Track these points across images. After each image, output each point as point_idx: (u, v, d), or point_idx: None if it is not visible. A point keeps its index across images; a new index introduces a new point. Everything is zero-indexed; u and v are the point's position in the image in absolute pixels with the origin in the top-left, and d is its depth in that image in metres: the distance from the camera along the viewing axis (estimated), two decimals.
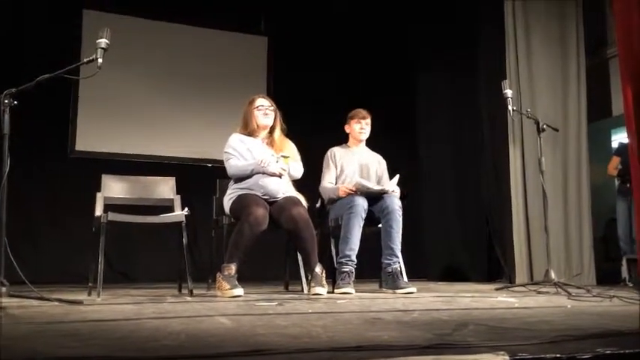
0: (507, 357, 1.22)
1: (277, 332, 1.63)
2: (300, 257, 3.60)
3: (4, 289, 2.50)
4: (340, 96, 5.30)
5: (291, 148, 3.64)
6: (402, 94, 6.31)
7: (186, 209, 3.60)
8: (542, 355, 1.25)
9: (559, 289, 3.45)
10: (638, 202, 4.33)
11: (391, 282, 3.59)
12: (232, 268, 3.21)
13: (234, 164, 3.50)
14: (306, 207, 3.49)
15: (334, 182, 3.96)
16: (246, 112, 3.62)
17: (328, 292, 3.34)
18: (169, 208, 3.76)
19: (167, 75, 5.65)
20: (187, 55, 5.76)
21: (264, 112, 3.58)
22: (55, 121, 5.21)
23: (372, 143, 4.19)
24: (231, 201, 3.47)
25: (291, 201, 3.45)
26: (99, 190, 3.68)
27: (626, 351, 1.27)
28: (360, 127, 4.01)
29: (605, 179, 5.58)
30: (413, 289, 3.49)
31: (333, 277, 3.60)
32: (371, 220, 3.73)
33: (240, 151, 3.53)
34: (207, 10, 5.77)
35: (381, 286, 3.82)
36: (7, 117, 2.65)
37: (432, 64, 6.17)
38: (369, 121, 4.02)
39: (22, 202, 4.92)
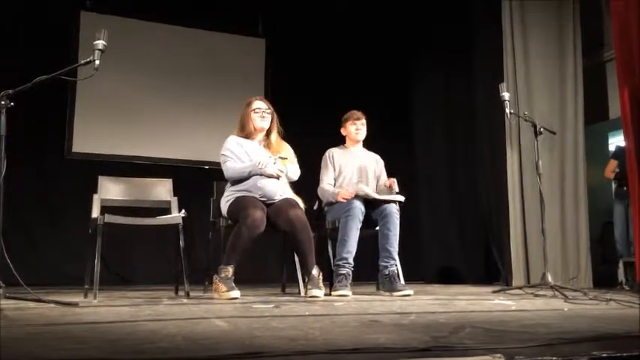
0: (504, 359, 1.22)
1: (274, 335, 1.62)
2: (297, 259, 3.59)
3: (0, 291, 2.50)
4: (337, 98, 5.30)
5: (288, 151, 3.64)
6: (399, 95, 6.32)
7: (183, 211, 3.59)
8: (539, 358, 1.25)
9: (556, 292, 3.45)
10: (634, 205, 4.36)
11: (388, 284, 3.59)
12: (229, 270, 3.21)
13: (231, 167, 3.50)
14: (303, 209, 3.49)
15: (333, 183, 3.96)
16: (243, 115, 3.62)
17: (325, 295, 3.33)
18: (166, 210, 3.75)
19: (165, 77, 5.64)
20: (185, 57, 5.75)
21: (261, 114, 3.58)
22: (52, 122, 5.20)
23: (369, 144, 4.19)
24: (228, 203, 3.47)
25: (288, 203, 3.45)
26: (96, 192, 3.67)
27: (623, 354, 1.27)
28: (356, 127, 4.02)
29: (602, 182, 5.59)
30: (410, 292, 3.49)
31: (331, 280, 3.60)
32: (368, 222, 3.73)
33: (238, 154, 3.53)
34: (205, 12, 5.76)
35: (378, 289, 3.82)
36: (3, 118, 2.65)
37: (429, 65, 6.17)
38: (364, 121, 4.03)
39: (18, 203, 4.89)
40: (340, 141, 4.13)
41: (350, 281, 3.55)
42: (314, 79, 6.00)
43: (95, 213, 3.51)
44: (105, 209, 3.52)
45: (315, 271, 3.34)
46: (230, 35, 5.96)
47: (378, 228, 3.73)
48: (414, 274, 5.47)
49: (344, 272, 3.53)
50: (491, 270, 5.37)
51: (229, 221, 3.50)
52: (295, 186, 3.70)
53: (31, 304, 2.58)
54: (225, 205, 3.50)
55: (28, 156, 5.00)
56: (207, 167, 5.40)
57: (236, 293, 3.12)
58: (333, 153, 4.03)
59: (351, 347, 1.37)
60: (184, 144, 5.60)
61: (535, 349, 1.36)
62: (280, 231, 3.45)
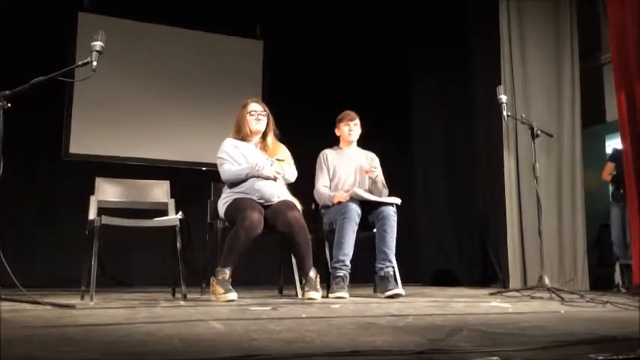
0: None
1: (271, 337, 1.62)
2: (294, 261, 3.59)
3: None
4: (335, 99, 5.29)
5: (284, 152, 3.64)
6: (397, 96, 6.32)
7: (181, 213, 3.59)
8: None
9: (552, 295, 3.46)
10: (632, 208, 4.37)
11: (381, 285, 3.59)
12: (226, 273, 3.21)
13: (228, 169, 3.50)
14: (301, 211, 3.49)
15: (328, 185, 3.96)
16: (239, 117, 3.62)
17: (322, 297, 3.34)
18: (163, 212, 3.75)
19: (162, 78, 5.64)
20: (182, 59, 5.75)
21: (257, 117, 3.58)
22: (49, 123, 5.18)
23: (368, 145, 4.19)
24: (226, 205, 3.47)
25: (286, 205, 3.45)
26: (93, 193, 3.66)
27: (619, 356, 1.27)
28: (349, 128, 4.03)
29: (599, 185, 5.60)
30: (400, 292, 3.49)
31: (328, 282, 3.60)
32: (366, 225, 3.74)
33: (234, 156, 3.53)
34: (203, 13, 5.76)
35: (375, 291, 3.82)
36: (0, 119, 2.64)
37: (428, 67, 6.17)
38: (357, 121, 4.03)
39: (15, 204, 4.89)
40: (337, 143, 4.14)
41: (347, 283, 3.55)
42: (312, 81, 6.00)
43: (92, 214, 3.50)
44: (102, 211, 3.51)
45: (312, 273, 3.34)
46: (228, 37, 5.96)
47: (375, 230, 3.73)
48: (411, 277, 5.48)
49: (341, 274, 3.53)
50: (488, 272, 5.37)
51: (226, 223, 3.50)
52: (293, 188, 3.70)
53: (28, 306, 2.57)
54: (222, 207, 3.50)
55: (25, 157, 4.99)
56: (204, 169, 5.39)
57: (233, 295, 3.12)
58: (327, 154, 4.03)
59: (348, 350, 1.37)
60: (182, 145, 5.60)
61: (532, 351, 1.37)
62: (278, 233, 3.46)
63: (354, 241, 3.60)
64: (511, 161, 4.92)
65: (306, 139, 4.37)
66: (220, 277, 3.19)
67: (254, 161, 3.43)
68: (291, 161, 3.67)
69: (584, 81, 5.18)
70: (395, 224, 3.68)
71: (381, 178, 3.96)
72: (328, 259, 3.73)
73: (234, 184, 3.49)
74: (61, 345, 1.49)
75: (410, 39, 6.37)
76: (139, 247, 5.05)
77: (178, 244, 3.48)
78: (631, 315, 2.49)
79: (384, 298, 3.44)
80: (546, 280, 3.61)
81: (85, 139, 5.30)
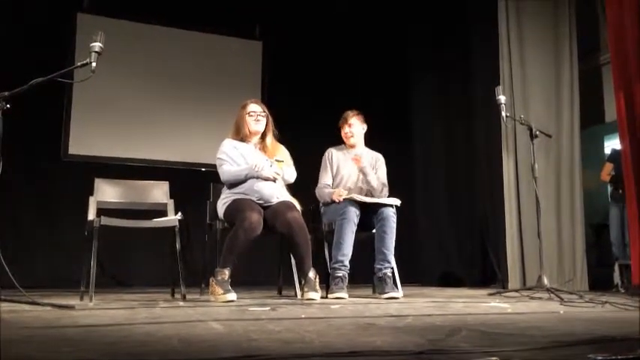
0: None
1: (270, 337, 1.62)
2: (293, 262, 3.59)
3: None
4: (335, 100, 5.29)
5: (283, 153, 3.64)
6: (396, 97, 6.32)
7: (180, 214, 3.59)
8: None
9: (552, 295, 3.46)
10: (631, 208, 4.37)
11: (380, 286, 3.59)
12: (226, 273, 3.20)
13: (227, 170, 3.50)
14: (300, 211, 3.49)
15: (331, 184, 3.96)
16: (238, 118, 3.62)
17: (322, 297, 3.34)
18: (163, 213, 3.75)
19: (161, 79, 5.64)
20: (182, 60, 5.75)
21: (256, 118, 3.58)
22: (48, 124, 5.18)
23: (367, 145, 4.18)
24: (225, 205, 3.47)
25: (285, 205, 3.45)
26: (92, 194, 3.66)
27: (618, 357, 1.27)
28: (344, 132, 4.02)
29: (598, 185, 5.60)
30: (397, 294, 3.49)
31: (327, 282, 3.60)
32: (365, 225, 3.74)
33: (234, 157, 3.53)
34: (202, 14, 5.76)
35: (374, 292, 3.82)
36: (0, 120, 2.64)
37: (428, 67, 6.17)
38: (352, 122, 3.99)
39: (14, 205, 4.89)
40: (336, 144, 4.13)
41: (346, 284, 3.55)
42: (311, 82, 6.00)
43: (91, 215, 3.50)
44: (101, 211, 3.51)
45: (311, 274, 3.34)
46: (227, 38, 5.96)
47: (374, 231, 3.73)
48: (411, 277, 5.48)
49: (340, 275, 3.53)
50: (487, 272, 5.37)
51: (226, 224, 3.50)
52: (292, 188, 3.70)
53: (27, 307, 2.57)
54: (221, 207, 3.50)
55: (25, 158, 4.98)
56: (203, 169, 5.39)
57: (232, 296, 3.12)
58: (332, 153, 4.03)
59: (348, 350, 1.37)
60: (181, 146, 5.60)
61: (531, 352, 1.37)
62: (277, 233, 3.45)
63: (353, 241, 3.60)
64: (510, 162, 4.92)
65: (306, 140, 4.38)
66: (219, 278, 3.19)
67: (253, 162, 3.44)
68: (291, 162, 3.67)
69: (583, 81, 5.19)
70: (394, 225, 3.68)
71: (383, 178, 3.96)
72: (327, 260, 3.73)
73: (233, 184, 3.49)
74: (61, 346, 1.49)
75: (410, 39, 6.37)
76: (139, 248, 5.05)
77: (177, 245, 3.48)
78: (630, 315, 2.49)
79: (386, 300, 3.43)
80: (545, 281, 3.61)
81: (85, 140, 5.30)
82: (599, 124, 5.88)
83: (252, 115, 3.58)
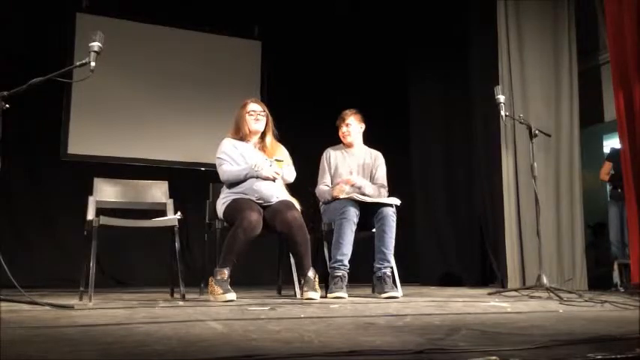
0: None
1: (270, 337, 1.62)
2: (293, 261, 3.59)
3: None
4: (334, 99, 5.31)
5: (283, 152, 3.64)
6: (396, 97, 6.32)
7: (179, 213, 3.58)
8: None
9: (551, 294, 3.46)
10: (630, 207, 4.37)
11: (379, 286, 3.60)
12: (225, 273, 3.20)
13: (227, 170, 3.49)
14: (299, 211, 3.49)
15: (330, 184, 3.96)
16: (238, 117, 3.62)
17: (321, 297, 3.33)
18: (162, 212, 3.74)
19: (160, 78, 5.64)
20: (181, 59, 5.75)
21: (256, 117, 3.57)
22: (47, 124, 5.18)
23: (366, 145, 4.18)
24: (224, 205, 3.46)
25: (285, 205, 3.45)
26: (91, 194, 3.66)
27: (618, 356, 1.27)
28: (341, 131, 4.01)
29: (597, 185, 5.61)
30: (396, 294, 3.49)
31: (326, 282, 3.60)
32: (365, 224, 3.73)
33: (233, 157, 3.52)
34: (201, 14, 5.77)
35: (373, 291, 3.82)
36: None
37: (427, 67, 6.18)
38: (350, 121, 3.98)
39: (13, 204, 4.89)
40: (335, 144, 4.12)
41: (346, 283, 3.54)
42: (310, 81, 6.01)
43: (90, 215, 3.50)
44: (100, 211, 3.51)
45: (310, 273, 3.34)
46: (226, 37, 5.97)
47: (374, 230, 3.73)
48: (410, 276, 5.48)
49: (339, 274, 3.53)
50: (486, 272, 5.38)
51: (225, 223, 3.50)
52: (292, 188, 3.70)
53: (26, 307, 2.57)
54: (221, 207, 3.50)
55: (24, 158, 4.99)
56: (203, 169, 5.40)
57: (232, 295, 3.12)
58: (330, 153, 4.02)
59: (347, 350, 1.37)
60: (180, 146, 5.60)
61: (530, 351, 1.37)
62: (277, 233, 3.45)
63: (352, 241, 3.60)
64: (509, 161, 4.93)
65: (305, 140, 4.38)
66: (219, 278, 3.19)
67: (253, 162, 3.43)
68: (290, 161, 3.66)
69: (582, 81, 5.19)
70: (394, 224, 3.68)
71: (382, 178, 3.96)
72: (327, 260, 3.73)
73: (232, 184, 3.49)
74: (60, 345, 1.49)
75: (409, 39, 6.37)
76: (138, 248, 5.05)
77: (177, 245, 3.48)
78: (629, 314, 2.49)
79: (386, 300, 3.43)
80: (545, 280, 3.61)
81: (84, 140, 5.30)
82: (598, 124, 5.89)
83: (252, 115, 3.58)
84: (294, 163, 3.70)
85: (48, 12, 5.21)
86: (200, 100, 5.70)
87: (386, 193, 3.92)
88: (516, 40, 5.06)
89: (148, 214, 3.77)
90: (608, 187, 5.39)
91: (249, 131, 3.58)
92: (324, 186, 3.93)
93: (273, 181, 3.48)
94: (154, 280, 4.66)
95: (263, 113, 3.60)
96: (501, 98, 3.83)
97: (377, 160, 4.05)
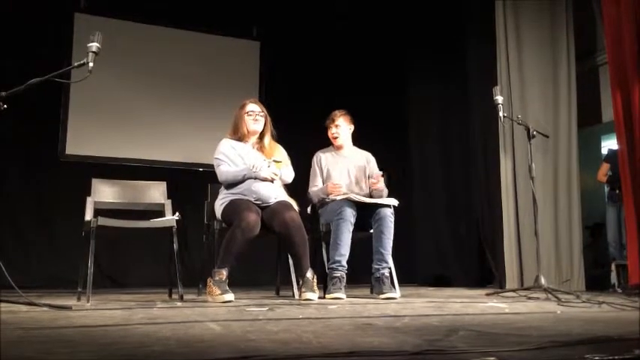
0: None
1: (268, 338, 1.62)
2: (291, 262, 3.59)
3: None
4: (333, 100, 5.30)
5: (281, 153, 3.64)
6: (394, 97, 6.32)
7: (177, 214, 3.58)
8: None
9: (549, 295, 3.46)
10: (627, 209, 4.38)
11: (377, 287, 3.60)
12: (223, 274, 3.20)
13: (225, 170, 3.49)
14: (298, 211, 3.49)
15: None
16: (237, 117, 3.62)
17: (319, 298, 3.33)
18: (160, 213, 3.74)
19: (159, 79, 5.63)
20: (179, 59, 5.74)
21: (254, 117, 3.57)
22: (45, 124, 5.18)
23: (365, 146, 4.18)
24: (222, 206, 3.46)
25: (283, 205, 3.44)
26: (89, 194, 3.65)
27: (615, 357, 1.28)
28: (331, 132, 4.00)
29: (595, 186, 5.61)
30: (394, 295, 3.49)
31: (325, 283, 3.60)
32: (363, 225, 3.73)
33: (231, 157, 3.52)
34: (200, 14, 5.76)
35: (372, 292, 3.82)
36: None
37: (426, 68, 6.18)
38: (339, 122, 3.97)
39: (11, 205, 4.88)
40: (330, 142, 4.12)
41: (344, 284, 3.54)
42: (309, 82, 6.00)
43: (88, 215, 3.50)
44: (98, 212, 3.51)
45: (309, 274, 3.34)
46: (225, 38, 5.96)
47: (372, 231, 3.73)
48: (408, 277, 5.48)
49: (338, 275, 3.53)
50: (484, 273, 5.38)
51: (223, 224, 3.49)
52: (290, 188, 3.70)
53: (24, 308, 2.56)
54: (219, 208, 3.50)
55: (22, 158, 4.98)
56: (201, 170, 5.39)
57: (230, 296, 3.11)
58: (321, 157, 4.00)
59: (345, 350, 1.37)
60: (178, 146, 5.59)
61: (528, 352, 1.37)
62: (275, 233, 3.45)
63: (350, 241, 3.59)
64: (507, 162, 4.93)
65: (304, 140, 4.38)
66: (217, 278, 3.18)
67: (251, 162, 3.43)
68: (288, 162, 3.66)
69: (580, 82, 5.20)
70: (392, 225, 3.68)
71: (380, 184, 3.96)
72: (325, 260, 3.73)
73: (231, 185, 3.49)
74: (57, 346, 1.49)
75: (407, 40, 6.38)
76: (136, 248, 5.04)
77: (175, 245, 3.48)
78: (627, 315, 2.50)
79: (385, 300, 3.43)
80: (542, 281, 3.62)
81: (82, 140, 5.29)
82: (596, 125, 5.89)
83: (250, 115, 3.58)
84: (293, 164, 3.70)
85: (46, 12, 5.20)
86: (198, 101, 5.70)
87: (387, 193, 3.91)
88: (515, 40, 5.07)
89: (146, 214, 3.76)
90: (606, 188, 5.39)
91: (248, 132, 3.58)
92: (315, 187, 3.91)
93: (272, 181, 3.48)
94: (152, 281, 4.65)
95: (262, 114, 3.60)
96: (499, 99, 3.84)
97: (370, 161, 4.06)
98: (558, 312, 2.61)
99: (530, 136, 3.89)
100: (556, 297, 3.35)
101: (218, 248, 3.34)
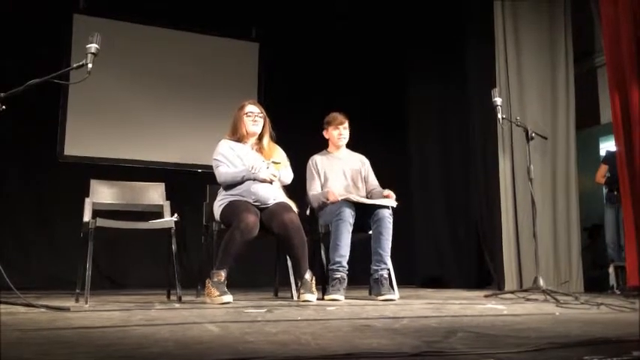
0: None
1: (266, 339, 1.62)
2: (289, 263, 3.59)
3: None
4: (332, 101, 5.30)
5: (280, 154, 3.64)
6: (393, 99, 6.33)
7: (176, 215, 3.58)
8: None
9: (547, 297, 3.46)
10: (626, 210, 4.38)
11: (375, 288, 3.59)
12: (222, 275, 3.20)
13: (224, 171, 3.49)
14: (296, 213, 3.48)
15: (320, 190, 3.94)
16: (236, 118, 3.62)
17: (318, 299, 3.33)
18: (159, 214, 3.74)
19: (158, 80, 5.64)
20: (178, 60, 5.74)
21: (253, 119, 3.57)
22: (44, 125, 5.18)
23: (364, 146, 4.18)
24: (221, 207, 3.46)
25: (282, 207, 3.44)
26: (87, 196, 3.65)
27: (614, 358, 1.28)
28: (339, 132, 4.00)
29: (594, 187, 5.62)
30: (393, 296, 3.49)
31: (323, 284, 3.60)
32: (362, 227, 3.73)
33: (230, 158, 3.52)
34: (199, 15, 5.76)
35: (370, 293, 3.82)
36: None
37: (425, 68, 6.18)
38: (346, 125, 4.00)
39: (9, 206, 4.88)
40: (325, 145, 4.11)
41: (345, 285, 3.53)
42: (308, 83, 6.01)
43: (87, 217, 3.49)
44: (97, 213, 3.50)
45: (307, 276, 3.34)
46: (223, 39, 5.97)
47: (370, 232, 3.73)
48: (407, 279, 5.48)
49: (338, 276, 3.52)
50: (483, 274, 5.38)
51: (222, 225, 3.49)
52: (289, 190, 3.70)
53: (22, 309, 2.56)
54: (218, 209, 3.50)
55: (20, 159, 4.98)
56: (199, 171, 5.39)
57: (228, 298, 3.11)
58: (317, 160, 4.00)
59: (344, 352, 1.37)
60: (177, 147, 5.59)
61: (527, 353, 1.37)
62: (274, 235, 3.45)
63: (349, 242, 3.59)
64: (506, 163, 4.94)
65: (303, 141, 4.37)
66: (215, 280, 3.18)
67: (250, 164, 3.43)
68: (287, 163, 3.66)
69: (578, 83, 5.21)
70: (390, 226, 3.68)
71: (374, 183, 3.97)
72: (324, 262, 3.72)
73: (229, 186, 3.48)
74: (56, 348, 1.48)
75: (407, 41, 6.38)
76: (134, 250, 5.04)
77: (173, 247, 3.47)
78: (626, 317, 2.50)
79: (383, 302, 3.43)
80: (541, 282, 3.62)
81: (80, 141, 5.29)
82: (594, 126, 5.90)
83: (249, 116, 3.58)
84: (292, 165, 3.70)
85: (45, 13, 5.20)
86: (197, 102, 5.70)
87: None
88: (513, 42, 5.08)
89: (144, 216, 3.76)
90: (604, 190, 5.40)
91: (247, 133, 3.58)
92: (314, 191, 3.91)
93: (271, 183, 3.48)
94: (150, 282, 4.65)
95: (261, 115, 3.60)
96: (498, 101, 3.84)
97: (365, 164, 4.08)
98: (557, 313, 2.61)
99: (528, 138, 3.89)
100: (554, 298, 3.35)
101: (217, 249, 3.33)
